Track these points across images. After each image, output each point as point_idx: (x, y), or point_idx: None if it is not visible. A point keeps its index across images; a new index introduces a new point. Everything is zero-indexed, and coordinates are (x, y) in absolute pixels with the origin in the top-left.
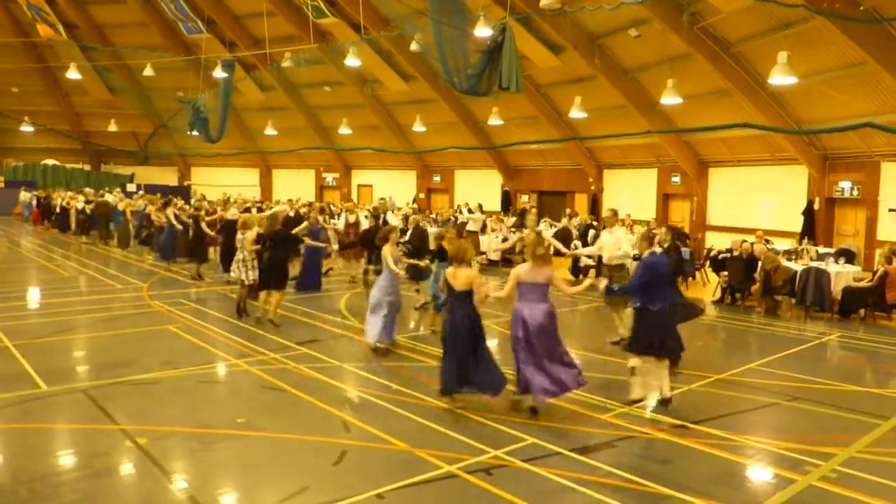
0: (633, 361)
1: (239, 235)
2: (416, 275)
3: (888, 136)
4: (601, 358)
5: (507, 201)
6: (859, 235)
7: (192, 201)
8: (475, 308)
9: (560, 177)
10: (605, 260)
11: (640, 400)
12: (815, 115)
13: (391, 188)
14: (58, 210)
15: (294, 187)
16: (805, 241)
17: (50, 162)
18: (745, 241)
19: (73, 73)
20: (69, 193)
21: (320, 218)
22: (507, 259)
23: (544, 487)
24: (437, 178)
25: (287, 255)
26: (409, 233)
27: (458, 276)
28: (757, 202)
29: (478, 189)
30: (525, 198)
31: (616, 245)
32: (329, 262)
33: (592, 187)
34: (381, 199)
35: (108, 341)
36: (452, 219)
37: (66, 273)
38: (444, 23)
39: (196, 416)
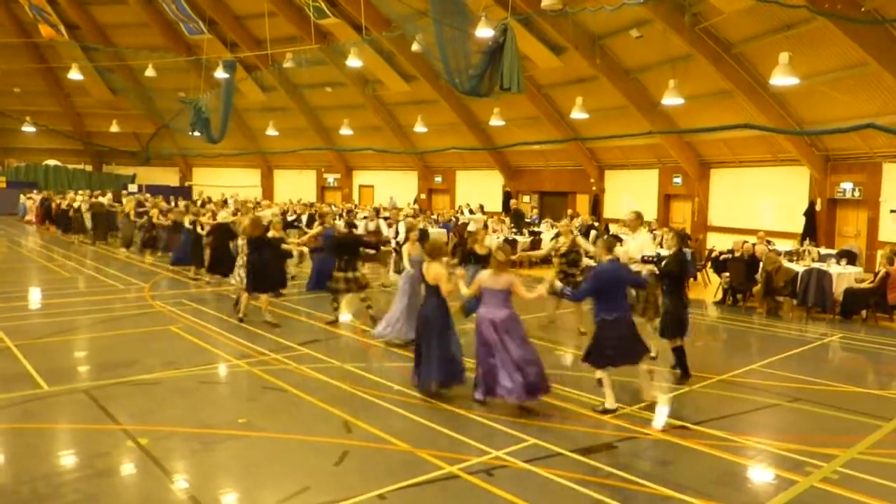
0: (598, 374)
1: (239, 241)
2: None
3: (890, 137)
4: None
5: (509, 202)
6: (861, 236)
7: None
8: (445, 300)
9: (561, 177)
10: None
11: (615, 410)
12: (816, 115)
13: (392, 189)
14: (61, 210)
15: (295, 188)
16: (806, 242)
17: (52, 162)
18: (745, 241)
19: (74, 74)
20: (71, 195)
21: (336, 222)
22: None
23: (545, 488)
24: (438, 179)
25: (268, 258)
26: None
27: (430, 271)
28: (758, 203)
29: (479, 190)
30: (516, 199)
31: (639, 250)
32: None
33: (594, 188)
34: (355, 205)
35: (109, 341)
36: (454, 219)
37: (68, 273)
38: (445, 23)
39: (197, 417)
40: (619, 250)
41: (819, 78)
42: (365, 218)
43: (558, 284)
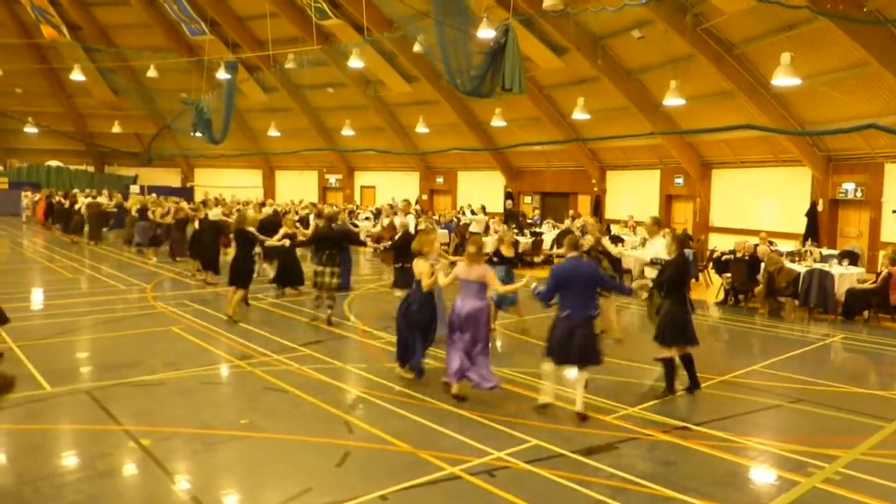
0: (545, 365)
1: (276, 239)
2: (404, 282)
3: (892, 138)
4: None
5: (512, 203)
6: (863, 237)
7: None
8: (430, 294)
9: (563, 178)
10: (645, 273)
11: (545, 405)
12: (818, 116)
13: (394, 189)
14: (63, 209)
15: (297, 188)
16: (808, 242)
17: (54, 163)
18: (746, 241)
19: (76, 75)
20: (75, 193)
21: (367, 223)
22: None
23: (547, 489)
24: (440, 180)
25: (247, 254)
26: (396, 237)
27: (416, 267)
28: (760, 204)
29: (480, 190)
30: (510, 200)
31: (656, 255)
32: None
33: (595, 189)
34: (332, 205)
35: (111, 342)
36: (455, 220)
37: (70, 274)
38: (447, 24)
39: (199, 418)
40: (610, 246)
41: (821, 78)
42: (373, 217)
43: (533, 283)
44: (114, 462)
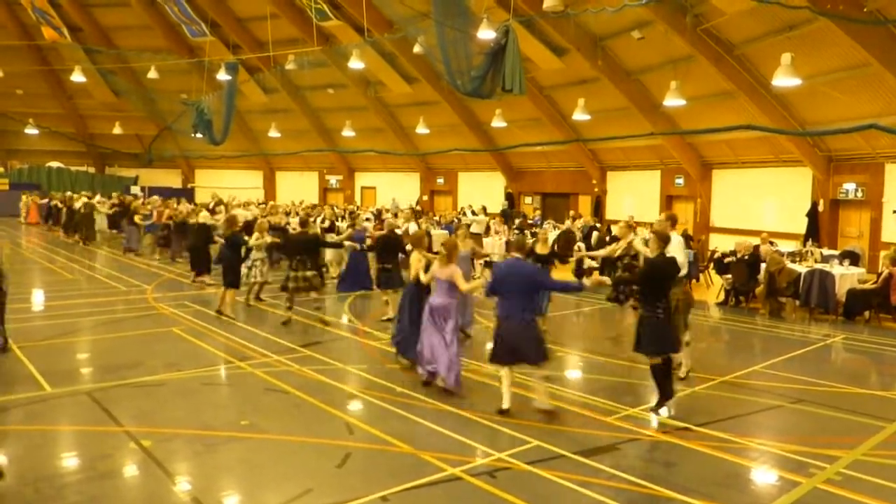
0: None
1: (253, 241)
2: (386, 282)
3: (892, 138)
4: (603, 360)
5: (511, 204)
6: (864, 237)
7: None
8: (421, 289)
9: (563, 178)
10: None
11: (506, 410)
12: (818, 116)
13: (395, 190)
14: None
15: (297, 189)
16: (809, 242)
17: (54, 164)
18: (747, 241)
19: (77, 76)
20: (69, 194)
21: (368, 224)
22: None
23: (548, 490)
24: (440, 181)
25: (238, 256)
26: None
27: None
28: (761, 204)
29: (481, 191)
30: (506, 200)
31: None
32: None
33: (596, 189)
34: (357, 206)
35: (112, 343)
36: (456, 221)
37: (70, 275)
38: (447, 25)
39: (200, 419)
40: (642, 248)
41: (821, 79)
42: (374, 218)
43: (485, 281)
44: (114, 463)
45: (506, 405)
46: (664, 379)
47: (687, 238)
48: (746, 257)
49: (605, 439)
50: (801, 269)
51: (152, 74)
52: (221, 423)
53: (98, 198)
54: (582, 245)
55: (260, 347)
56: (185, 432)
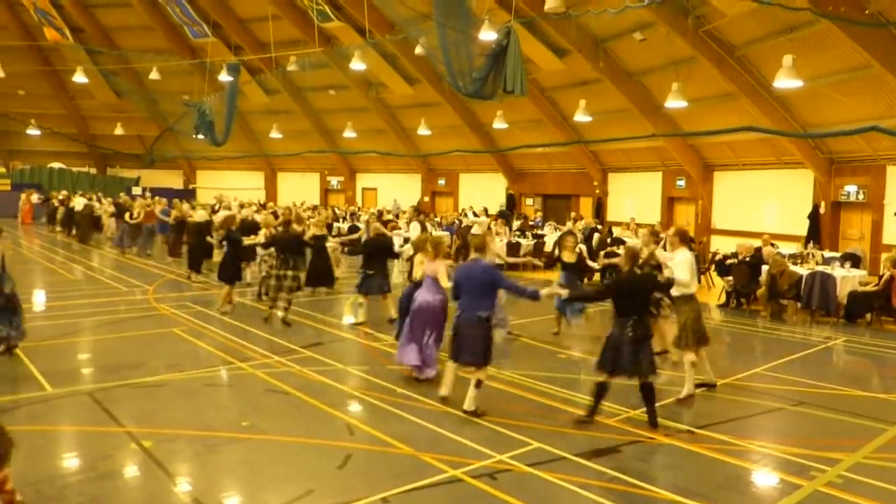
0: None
1: (248, 239)
2: (364, 286)
3: (894, 140)
4: None
5: (512, 205)
6: (865, 239)
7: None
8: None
9: (565, 180)
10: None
11: (445, 397)
12: (820, 118)
13: (396, 192)
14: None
15: (299, 190)
16: (811, 245)
17: (56, 165)
18: (748, 243)
19: (79, 77)
20: (65, 193)
21: (381, 226)
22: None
23: (549, 492)
24: (441, 182)
25: (237, 253)
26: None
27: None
28: (762, 206)
29: (482, 192)
30: (505, 202)
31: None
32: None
33: (597, 191)
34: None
35: (113, 344)
36: (457, 222)
37: (72, 275)
38: (448, 26)
39: (201, 419)
40: (663, 255)
41: (823, 80)
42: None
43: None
44: (115, 464)
45: (443, 392)
46: (597, 396)
47: (689, 239)
48: (748, 259)
49: (606, 441)
50: (803, 271)
51: (154, 75)
52: (222, 424)
53: (101, 199)
54: (583, 247)
55: (261, 348)
56: (186, 433)
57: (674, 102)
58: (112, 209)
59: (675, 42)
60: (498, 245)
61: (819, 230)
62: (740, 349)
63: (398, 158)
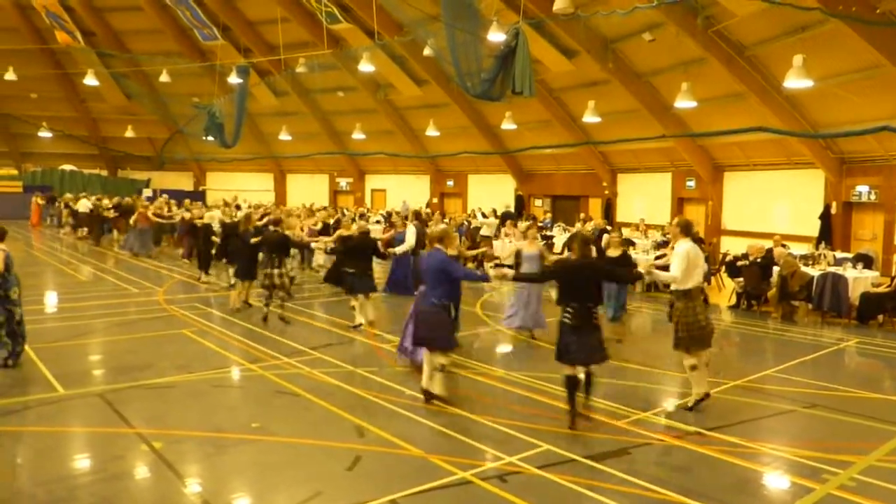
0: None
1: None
2: (352, 287)
3: None
4: (614, 364)
5: (521, 206)
6: (877, 240)
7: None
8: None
9: (574, 181)
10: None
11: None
12: (830, 118)
13: (405, 193)
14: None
15: (308, 192)
16: (822, 245)
17: (67, 167)
18: (759, 244)
19: (90, 80)
20: (70, 195)
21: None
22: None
23: (559, 494)
24: (450, 183)
25: (248, 250)
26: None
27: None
28: (773, 206)
29: (491, 194)
30: (509, 204)
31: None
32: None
33: (606, 192)
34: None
35: (124, 345)
36: (466, 223)
37: (83, 277)
38: (457, 27)
39: (211, 421)
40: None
41: (833, 80)
42: (384, 220)
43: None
44: (126, 465)
45: (424, 384)
46: (569, 393)
47: (699, 241)
48: (759, 260)
49: (616, 444)
50: (814, 272)
51: (164, 78)
52: (232, 426)
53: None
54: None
55: (270, 349)
56: (195, 434)
57: (683, 103)
58: (112, 212)
59: (685, 42)
60: (508, 247)
61: (830, 231)
62: (751, 351)
63: (407, 160)
